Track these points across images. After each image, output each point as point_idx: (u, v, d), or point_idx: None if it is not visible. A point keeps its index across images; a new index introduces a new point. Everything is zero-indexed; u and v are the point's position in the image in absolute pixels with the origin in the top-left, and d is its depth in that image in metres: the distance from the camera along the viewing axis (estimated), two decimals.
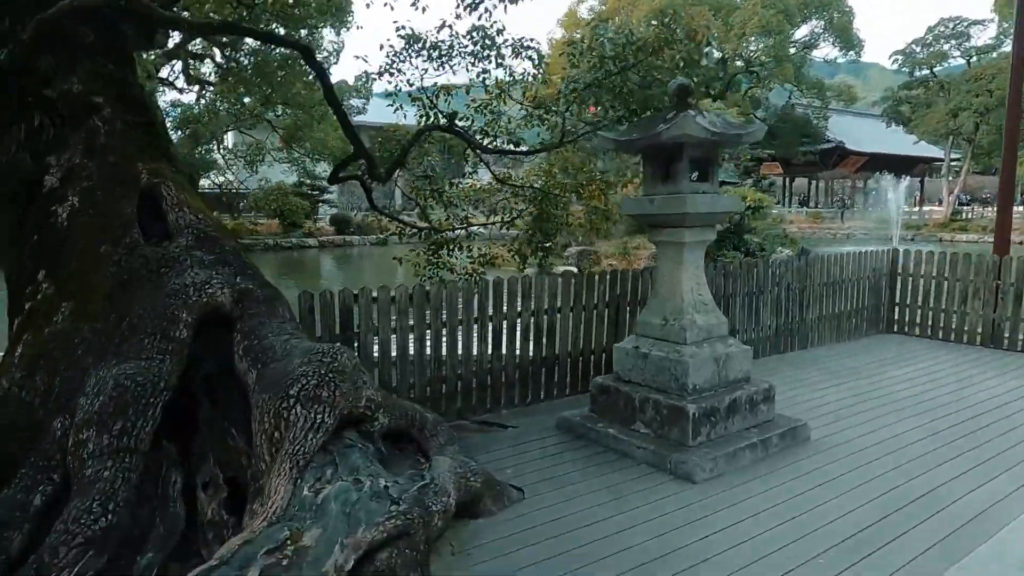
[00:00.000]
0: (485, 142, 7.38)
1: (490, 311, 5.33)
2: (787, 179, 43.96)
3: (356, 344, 4.70)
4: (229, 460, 3.43)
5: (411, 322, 4.93)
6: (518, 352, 5.55)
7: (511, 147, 7.27)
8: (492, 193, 8.53)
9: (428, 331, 5.03)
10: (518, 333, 5.52)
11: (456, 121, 6.93)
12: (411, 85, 7.24)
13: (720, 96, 34.13)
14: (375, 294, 4.74)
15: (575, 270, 25.09)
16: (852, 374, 6.57)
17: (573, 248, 25.73)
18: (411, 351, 4.96)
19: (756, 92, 39.19)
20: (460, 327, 5.18)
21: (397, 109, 7.55)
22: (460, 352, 5.21)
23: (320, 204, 35.85)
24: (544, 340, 5.67)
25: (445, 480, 3.22)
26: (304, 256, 33.93)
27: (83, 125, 4.43)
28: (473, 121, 7.55)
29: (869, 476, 4.24)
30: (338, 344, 3.48)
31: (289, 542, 2.46)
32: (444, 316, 5.08)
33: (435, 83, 7.21)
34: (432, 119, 6.93)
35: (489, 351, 5.38)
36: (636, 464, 4.42)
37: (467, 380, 5.27)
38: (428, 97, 6.83)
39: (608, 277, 6.07)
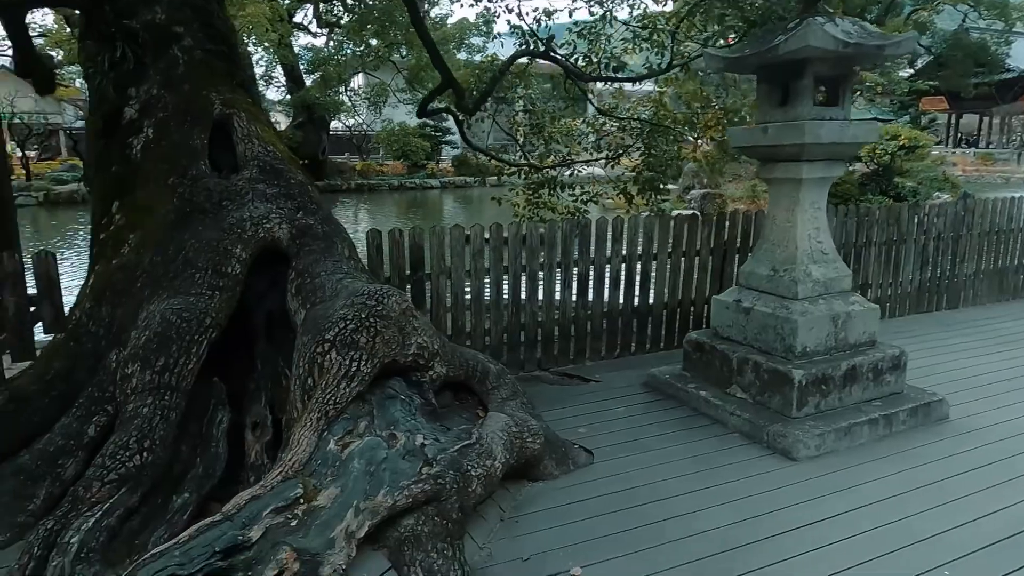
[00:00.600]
0: (588, 71, 6.76)
1: (575, 255, 4.88)
2: (953, 115, 38.69)
3: (427, 286, 4.44)
4: (281, 401, 3.30)
5: (487, 264, 4.58)
6: (607, 300, 5.07)
7: (615, 75, 6.59)
8: (596, 128, 7.89)
9: (506, 275, 4.67)
10: (607, 279, 5.04)
11: (555, 47, 6.36)
12: (509, 11, 6.71)
13: (877, 23, 30.19)
14: (449, 233, 4.42)
15: (698, 215, 23.78)
16: (1009, 341, 5.51)
17: (696, 191, 24.27)
18: (487, 296, 4.64)
19: (922, 16, 34.33)
20: (541, 271, 4.77)
21: (494, 38, 7.08)
22: (541, 298, 4.82)
23: (443, 145, 36.35)
24: (637, 288, 5.15)
25: (493, 440, 2.90)
26: (426, 196, 34.69)
27: (164, 56, 4.37)
28: (575, 47, 6.92)
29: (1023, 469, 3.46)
30: (387, 286, 3.20)
31: (302, 500, 2.25)
32: (524, 259, 4.69)
33: (535, 8, 6.63)
34: (530, 46, 6.40)
35: (574, 298, 4.95)
36: (728, 433, 3.89)
37: (548, 328, 4.89)
38: (523, 19, 6.29)
39: (714, 220, 5.38)
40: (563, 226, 4.80)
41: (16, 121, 25.19)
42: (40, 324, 4.07)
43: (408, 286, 4.36)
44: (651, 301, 5.23)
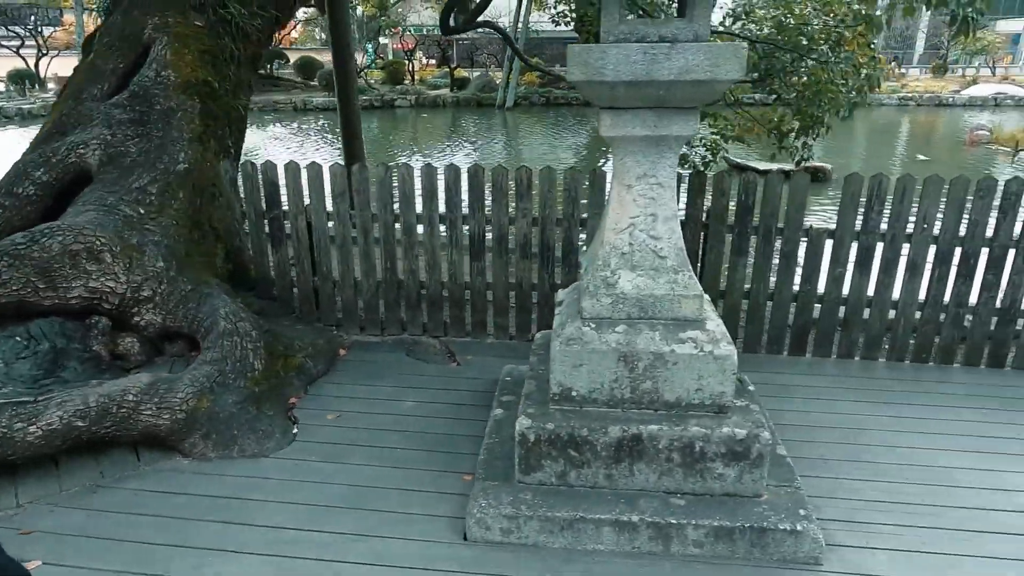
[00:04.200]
0: None
1: (464, 209, 4.01)
2: None
3: (285, 227, 4.16)
4: None
5: (351, 209, 4.07)
6: (514, 270, 4.10)
7: None
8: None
9: (376, 224, 4.10)
10: (512, 243, 4.05)
11: None
12: None
13: None
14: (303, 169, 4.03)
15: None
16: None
17: None
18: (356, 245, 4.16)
19: None
20: (420, 224, 4.06)
21: None
22: (424, 257, 4.14)
23: None
24: (560, 260, 4.05)
25: (57, 401, 2.71)
26: (763, 113, 31.20)
27: None
28: None
29: None
30: (59, 224, 3.12)
31: None
32: (395, 207, 4.04)
33: None
34: None
35: (466, 262, 4.13)
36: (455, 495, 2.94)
37: (435, 292, 4.20)
38: None
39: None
40: (447, 173, 3.95)
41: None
42: None
43: (264, 223, 4.16)
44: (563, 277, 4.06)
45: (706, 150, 7.21)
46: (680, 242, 2.64)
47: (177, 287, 3.42)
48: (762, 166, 14.56)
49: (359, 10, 31.13)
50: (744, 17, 6.18)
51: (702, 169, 7.26)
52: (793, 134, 6.44)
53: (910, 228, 3.74)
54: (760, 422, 2.57)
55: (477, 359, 4.03)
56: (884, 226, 3.75)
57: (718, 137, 7.03)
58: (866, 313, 3.93)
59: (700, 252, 3.93)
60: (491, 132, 21.10)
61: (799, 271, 3.91)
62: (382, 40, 36.35)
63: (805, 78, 5.89)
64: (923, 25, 41.46)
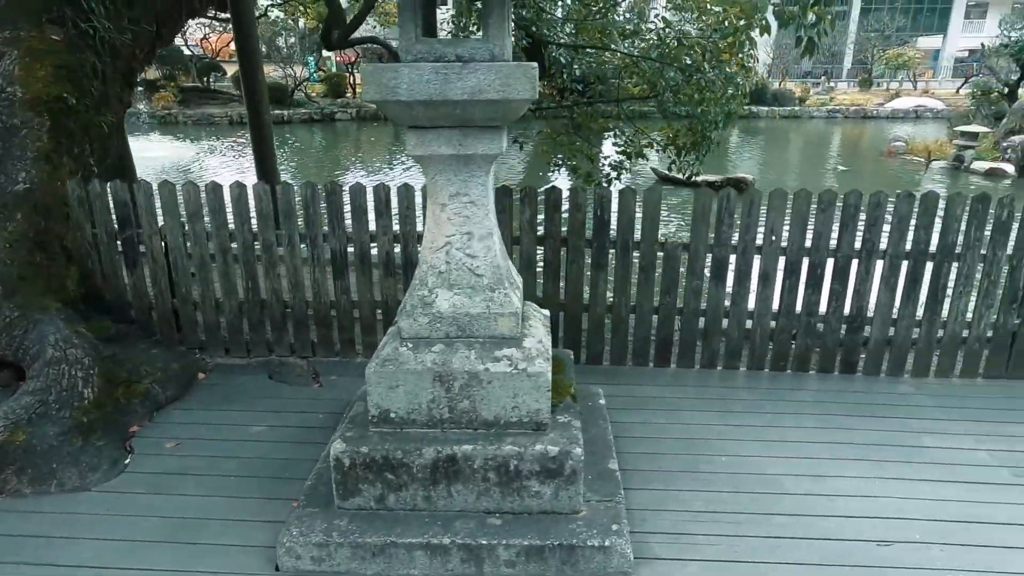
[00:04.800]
0: None
1: (324, 228, 3.95)
2: None
3: (141, 247, 4.03)
4: None
5: (207, 228, 3.96)
6: (380, 287, 4.06)
7: None
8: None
9: (236, 244, 3.99)
10: (376, 261, 4.01)
11: None
12: None
13: None
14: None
15: (1008, 169, 17.64)
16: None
17: (1020, 137, 18.17)
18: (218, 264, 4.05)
19: None
20: (280, 244, 3.98)
21: None
22: (286, 276, 4.05)
23: None
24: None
25: None
26: None
27: None
28: None
29: None
30: None
31: None
32: (252, 226, 3.95)
33: None
34: None
35: (330, 280, 4.06)
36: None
37: (301, 311, 4.12)
38: None
39: (545, 197, 3.85)
40: (305, 191, 3.89)
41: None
42: None
43: (117, 243, 4.01)
44: None
45: (611, 168, 7.34)
46: (497, 260, 2.64)
47: (1, 313, 3.25)
48: (691, 178, 14.93)
49: (301, 22, 30.83)
50: (634, 36, 6.31)
51: (607, 184, 7.39)
52: (684, 150, 6.60)
53: (760, 240, 3.84)
54: (575, 438, 2.57)
55: (342, 379, 3.96)
56: (735, 239, 3.84)
57: (623, 155, 7.16)
58: (725, 323, 4.02)
59: (561, 267, 3.96)
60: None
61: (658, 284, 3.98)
62: (325, 53, 36.07)
63: (695, 95, 6.04)
64: (851, 40, 43.30)
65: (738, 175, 15.05)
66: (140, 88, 24.86)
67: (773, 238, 3.81)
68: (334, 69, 35.44)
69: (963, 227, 3.74)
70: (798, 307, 3.95)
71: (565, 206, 3.86)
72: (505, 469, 2.52)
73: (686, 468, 3.11)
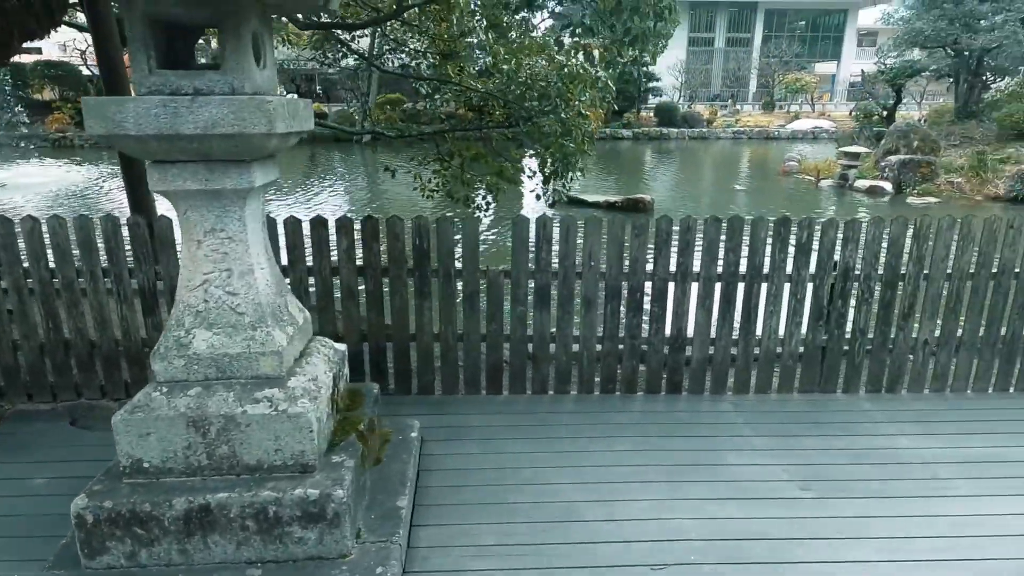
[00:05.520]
0: None
1: (129, 262, 3.75)
2: None
3: None
4: None
5: None
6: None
7: None
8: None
9: (31, 281, 3.74)
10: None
11: None
12: None
13: None
14: None
15: (886, 187, 18.86)
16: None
17: (898, 156, 19.45)
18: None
19: None
20: (81, 279, 3.75)
21: None
22: (91, 314, 3.82)
23: (647, 93, 35.07)
24: None
25: None
26: (616, 148, 32.94)
27: None
28: None
29: None
30: None
31: None
32: (48, 261, 3.72)
33: None
34: None
35: (139, 317, 3.85)
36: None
37: (109, 350, 3.89)
38: None
39: (365, 227, 3.78)
40: (105, 223, 3.69)
41: None
42: None
43: None
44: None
45: (488, 192, 7.37)
46: (260, 297, 2.54)
47: None
48: (595, 199, 15.26)
49: (214, 43, 29.96)
50: (491, 70, 6.38)
51: (479, 213, 7.40)
52: (551, 177, 6.69)
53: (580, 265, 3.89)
54: (341, 479, 2.49)
55: None
56: (556, 264, 3.88)
57: (496, 181, 7.20)
58: (553, 348, 4.04)
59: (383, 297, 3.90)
60: (346, 167, 20.79)
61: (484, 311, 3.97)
62: None
63: (559, 127, 6.14)
64: (755, 66, 45.66)
65: (637, 196, 15.47)
66: (22, 110, 23.47)
67: (592, 263, 3.87)
68: None
69: (768, 249, 3.91)
70: (621, 330, 4.01)
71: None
72: (264, 516, 2.41)
73: (489, 500, 3.07)
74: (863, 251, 3.92)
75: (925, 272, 3.97)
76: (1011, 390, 4.21)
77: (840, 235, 3.91)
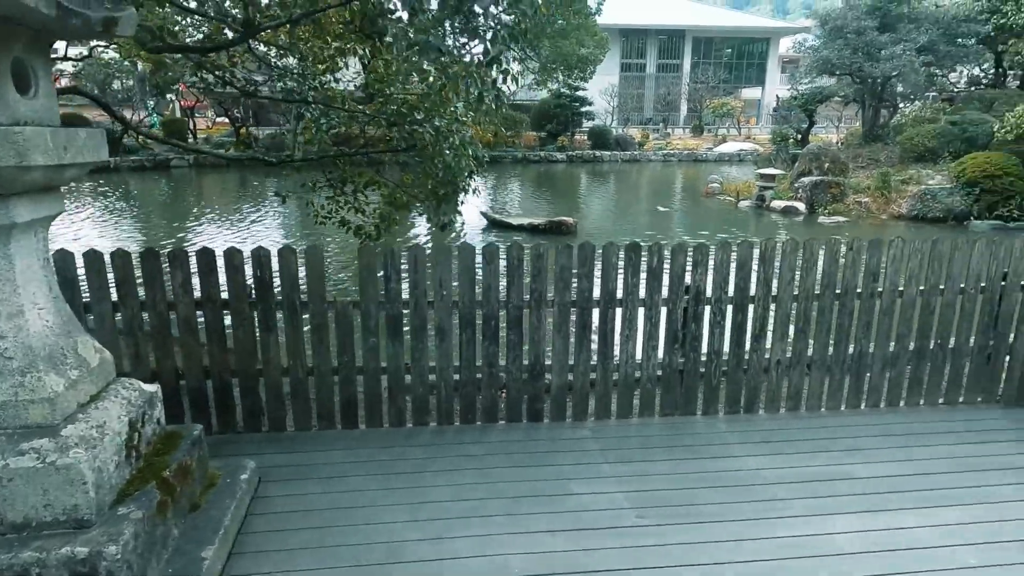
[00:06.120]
0: None
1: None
2: None
3: None
4: None
5: None
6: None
7: None
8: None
9: None
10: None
11: None
12: None
13: None
14: None
15: (800, 207, 19.62)
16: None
17: (810, 178, 20.26)
18: None
19: None
20: None
21: None
22: None
23: (580, 116, 35.98)
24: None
25: None
26: (550, 170, 33.27)
27: None
28: None
29: None
30: None
31: None
32: None
33: None
34: None
35: None
36: None
37: None
38: None
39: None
40: None
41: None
42: None
43: None
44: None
45: (379, 219, 7.24)
46: (32, 340, 2.37)
47: None
48: (519, 222, 15.31)
49: (139, 65, 29.06)
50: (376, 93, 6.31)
51: (372, 237, 7.27)
52: (441, 199, 6.63)
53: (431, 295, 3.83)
54: (118, 535, 2.32)
55: None
56: (406, 295, 3.80)
57: (390, 207, 7.08)
58: (408, 380, 3.95)
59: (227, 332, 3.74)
60: (262, 195, 20.34)
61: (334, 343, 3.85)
62: (170, 97, 34.28)
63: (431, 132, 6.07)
64: (684, 91, 47.16)
65: (560, 218, 15.61)
66: None
67: (444, 292, 3.81)
68: (178, 115, 33.77)
69: (621, 274, 3.93)
70: (479, 359, 3.96)
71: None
72: None
73: (315, 544, 2.93)
74: (712, 274, 3.99)
75: (773, 294, 4.07)
76: (862, 407, 4.33)
77: (690, 259, 3.97)
